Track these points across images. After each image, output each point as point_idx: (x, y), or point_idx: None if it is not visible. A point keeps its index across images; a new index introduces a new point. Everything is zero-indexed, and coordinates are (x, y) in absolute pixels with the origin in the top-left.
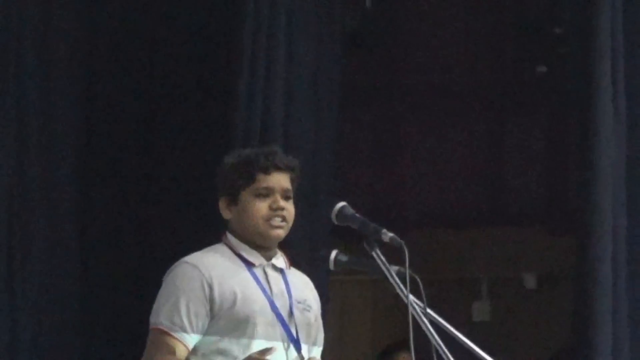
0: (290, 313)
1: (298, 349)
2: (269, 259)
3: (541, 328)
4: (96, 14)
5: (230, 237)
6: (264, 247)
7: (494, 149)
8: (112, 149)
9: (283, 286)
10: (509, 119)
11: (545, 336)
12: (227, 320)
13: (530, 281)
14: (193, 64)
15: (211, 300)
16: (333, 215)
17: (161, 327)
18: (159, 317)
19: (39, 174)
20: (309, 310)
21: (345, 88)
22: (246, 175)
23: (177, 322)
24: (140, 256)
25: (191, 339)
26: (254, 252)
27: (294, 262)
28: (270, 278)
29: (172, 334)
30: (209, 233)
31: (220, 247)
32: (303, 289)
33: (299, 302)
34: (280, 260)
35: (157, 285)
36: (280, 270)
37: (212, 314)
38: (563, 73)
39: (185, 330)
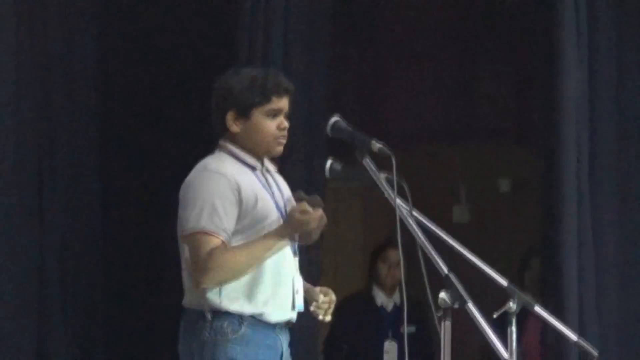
0: (285, 211)
1: (292, 244)
2: (262, 163)
3: (515, 229)
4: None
5: (229, 146)
6: (261, 157)
7: (468, 71)
8: (127, 83)
9: (275, 186)
10: (482, 43)
11: (519, 236)
12: (249, 220)
13: (504, 185)
14: (199, 10)
15: (239, 202)
16: (328, 128)
17: (205, 230)
18: (200, 221)
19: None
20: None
21: (335, 26)
22: (261, 95)
23: (219, 224)
24: (153, 184)
25: (228, 238)
26: (254, 159)
27: (293, 174)
28: (268, 180)
29: (215, 234)
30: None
31: (223, 155)
32: (286, 187)
33: (288, 200)
34: (268, 163)
35: (169, 213)
36: (269, 173)
37: (239, 215)
38: (531, 4)
39: (226, 231)
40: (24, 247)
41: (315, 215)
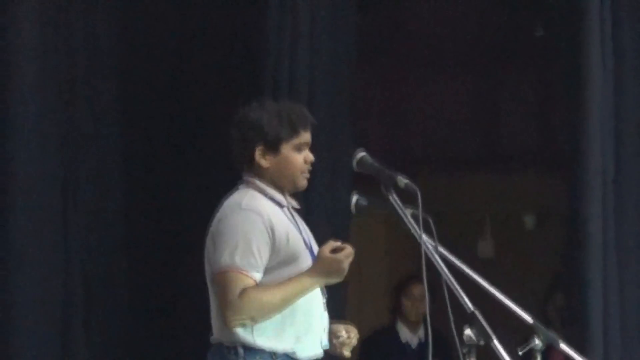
0: (311, 247)
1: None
2: (286, 199)
3: (540, 263)
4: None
5: (257, 182)
6: (286, 192)
7: (493, 101)
8: (150, 105)
9: (300, 223)
10: (506, 70)
11: (543, 270)
12: (281, 258)
13: (530, 222)
14: (224, 32)
15: (272, 241)
16: (354, 163)
17: (240, 270)
18: (235, 259)
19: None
20: (316, 245)
21: (359, 46)
22: (290, 130)
23: (253, 263)
24: (176, 205)
25: (260, 278)
26: (280, 194)
27: (318, 207)
28: (295, 217)
29: (249, 274)
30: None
31: (252, 192)
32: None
33: (311, 236)
34: (291, 200)
35: (193, 233)
36: (296, 210)
37: (271, 253)
38: (556, 28)
39: (258, 271)
40: (48, 265)
41: (347, 252)
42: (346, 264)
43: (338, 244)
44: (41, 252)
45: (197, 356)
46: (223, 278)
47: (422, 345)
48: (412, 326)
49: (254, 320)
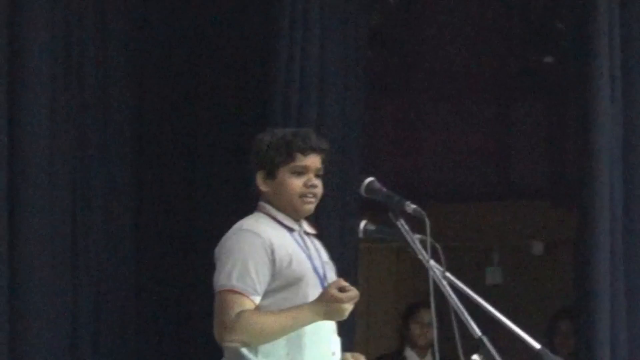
0: (324, 274)
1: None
2: (300, 225)
3: (548, 291)
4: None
5: (267, 206)
6: (295, 218)
7: (502, 131)
8: (163, 130)
9: (314, 250)
10: (516, 103)
11: (551, 298)
12: (282, 281)
13: (537, 248)
14: (235, 61)
15: (272, 263)
16: (362, 189)
17: (235, 289)
18: (231, 280)
19: (98, 154)
20: (333, 270)
21: (370, 77)
22: (285, 154)
23: (249, 284)
24: (186, 220)
25: (259, 300)
26: (291, 220)
27: (327, 233)
28: (306, 242)
29: (245, 294)
30: (247, 204)
31: (260, 216)
32: (324, 250)
33: (326, 263)
34: (306, 226)
35: (202, 250)
36: (307, 235)
37: (272, 275)
38: (565, 62)
39: (256, 291)
40: (56, 284)
41: (351, 295)
42: (348, 306)
43: (346, 284)
44: (50, 263)
45: None
46: (220, 298)
47: None
48: (421, 351)
49: (247, 343)
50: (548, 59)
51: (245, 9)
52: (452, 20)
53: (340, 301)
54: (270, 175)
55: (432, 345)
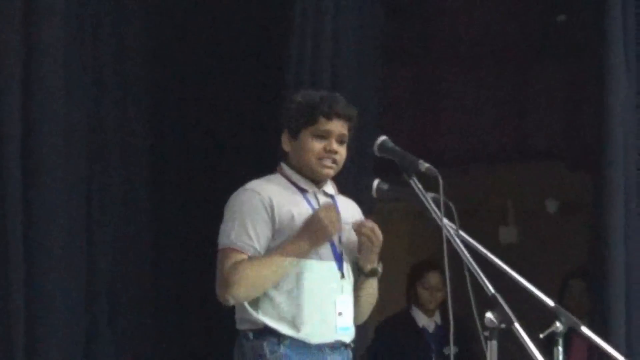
0: (339, 235)
1: (340, 266)
2: (320, 187)
3: (562, 250)
4: None
5: (285, 168)
6: (315, 180)
7: (519, 93)
8: (179, 107)
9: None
10: (532, 65)
11: (565, 258)
12: (285, 236)
13: (552, 206)
14: (250, 30)
15: (272, 221)
16: (375, 147)
17: (233, 247)
18: (230, 237)
19: (115, 124)
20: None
21: (387, 43)
22: (309, 116)
23: (247, 241)
24: (204, 193)
25: (258, 254)
26: (307, 181)
27: (342, 191)
28: (321, 202)
29: (244, 251)
30: (265, 170)
31: (276, 176)
32: (350, 211)
33: (346, 224)
34: (329, 187)
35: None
36: (330, 196)
37: (273, 233)
38: (580, 22)
39: (255, 249)
40: (73, 267)
41: (324, 207)
42: (324, 219)
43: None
44: (66, 253)
45: (223, 354)
46: (220, 255)
47: (440, 328)
48: (428, 312)
49: (247, 294)
50: (563, 18)
51: None
52: None
53: (317, 216)
54: (293, 135)
55: (442, 305)
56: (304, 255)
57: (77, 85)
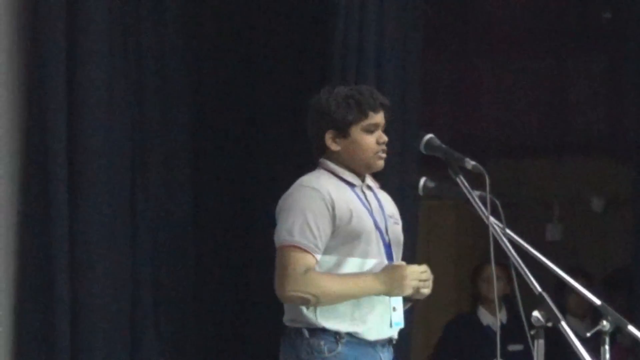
0: (386, 228)
1: (390, 262)
2: (363, 180)
3: (608, 248)
4: None
5: (329, 163)
6: (362, 174)
7: (561, 86)
8: (220, 100)
9: (376, 203)
10: (575, 58)
11: (611, 255)
12: (343, 237)
13: (598, 204)
14: (293, 22)
15: (333, 218)
16: (421, 145)
17: (297, 244)
18: (293, 235)
19: (157, 120)
20: (398, 224)
21: (428, 35)
22: (358, 112)
23: (311, 239)
24: (245, 185)
25: (319, 257)
26: (354, 176)
27: (386, 191)
28: (367, 196)
29: (307, 250)
30: (306, 164)
31: (322, 172)
32: (391, 204)
33: (390, 217)
34: (369, 180)
35: (262, 212)
36: (371, 189)
37: (333, 230)
38: (625, 15)
39: (317, 246)
40: (117, 262)
41: (414, 268)
42: (410, 280)
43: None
44: (110, 253)
45: (269, 355)
46: (283, 253)
47: (504, 327)
48: (493, 309)
49: (308, 301)
50: (609, 15)
51: None
52: None
53: (402, 272)
54: (342, 133)
55: (504, 301)
56: (374, 293)
57: (119, 91)
